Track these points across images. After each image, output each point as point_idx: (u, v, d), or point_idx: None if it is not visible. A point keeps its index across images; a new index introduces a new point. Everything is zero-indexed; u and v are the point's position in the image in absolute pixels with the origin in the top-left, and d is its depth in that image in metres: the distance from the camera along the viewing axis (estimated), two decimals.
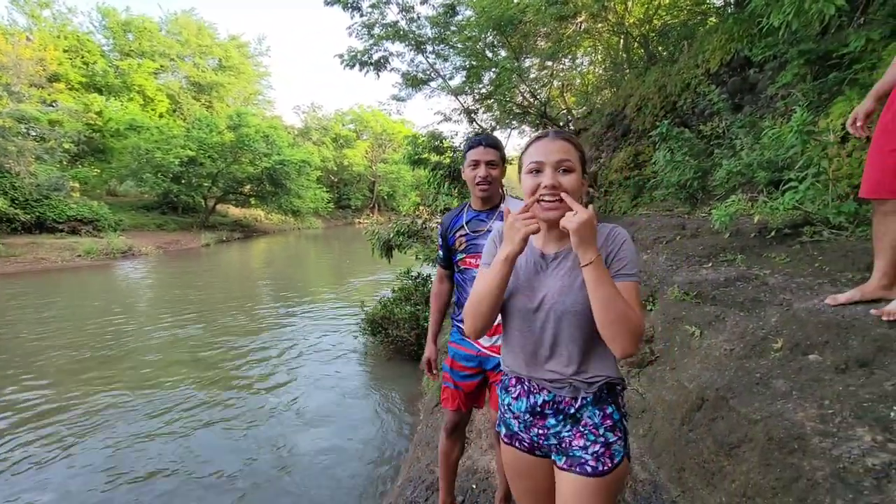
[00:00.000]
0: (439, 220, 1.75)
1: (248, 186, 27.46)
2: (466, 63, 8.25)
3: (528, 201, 1.06)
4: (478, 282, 1.13)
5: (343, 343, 6.28)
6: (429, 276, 6.18)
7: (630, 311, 0.98)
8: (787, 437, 1.48)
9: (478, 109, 9.03)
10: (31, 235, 15.74)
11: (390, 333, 5.53)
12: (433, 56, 8.53)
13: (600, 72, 11.43)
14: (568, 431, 1.10)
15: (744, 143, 4.13)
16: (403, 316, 5.52)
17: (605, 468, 1.06)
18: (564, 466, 1.10)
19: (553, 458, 1.15)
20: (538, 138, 1.11)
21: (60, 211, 16.64)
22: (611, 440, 1.08)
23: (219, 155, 24.10)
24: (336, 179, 41.90)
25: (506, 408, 1.21)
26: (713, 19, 7.31)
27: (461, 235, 1.79)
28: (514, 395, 1.18)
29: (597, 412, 1.09)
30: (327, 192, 35.51)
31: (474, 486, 2.21)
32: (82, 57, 26.12)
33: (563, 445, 1.11)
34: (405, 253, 6.57)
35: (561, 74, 10.56)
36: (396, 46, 8.28)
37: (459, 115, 8.88)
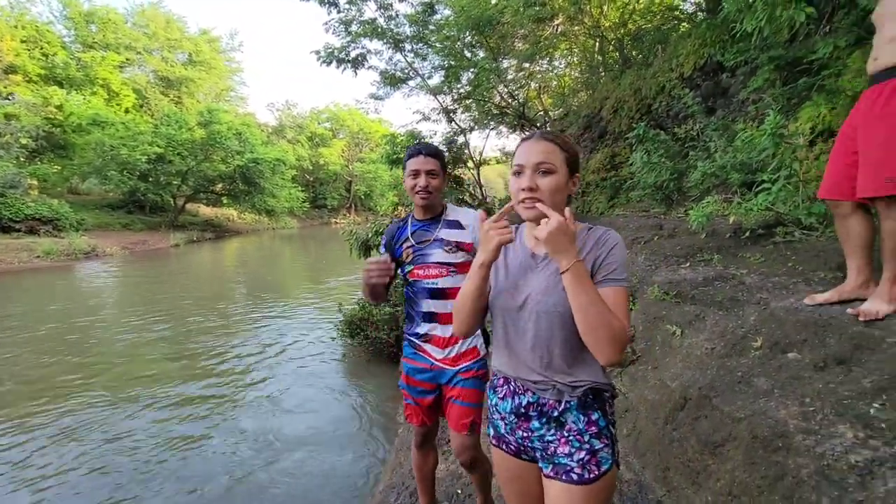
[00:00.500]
0: None
1: (219, 185, 26.72)
2: (445, 62, 8.22)
3: (513, 202, 1.07)
4: (463, 284, 1.16)
5: (320, 345, 6.15)
6: None
7: (613, 318, 0.96)
8: (770, 436, 1.50)
9: (456, 109, 9.01)
10: None
11: (369, 335, 5.43)
12: (412, 55, 8.48)
13: (576, 74, 11.60)
14: (552, 435, 1.09)
15: (717, 145, 4.23)
16: (382, 317, 5.43)
17: (592, 476, 1.04)
18: (551, 474, 1.09)
19: (540, 465, 1.13)
20: (524, 140, 1.12)
21: (17, 210, 15.78)
22: (597, 447, 1.06)
23: (189, 152, 23.35)
24: (312, 179, 41.24)
25: (493, 408, 1.21)
26: (685, 25, 7.50)
27: (408, 247, 1.76)
28: (501, 396, 1.18)
29: (581, 417, 1.07)
30: (303, 191, 34.90)
31: (459, 492, 2.18)
32: (41, 48, 24.90)
33: (549, 452, 1.10)
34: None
35: (538, 76, 10.66)
36: (374, 44, 8.20)
37: (438, 114, 8.85)
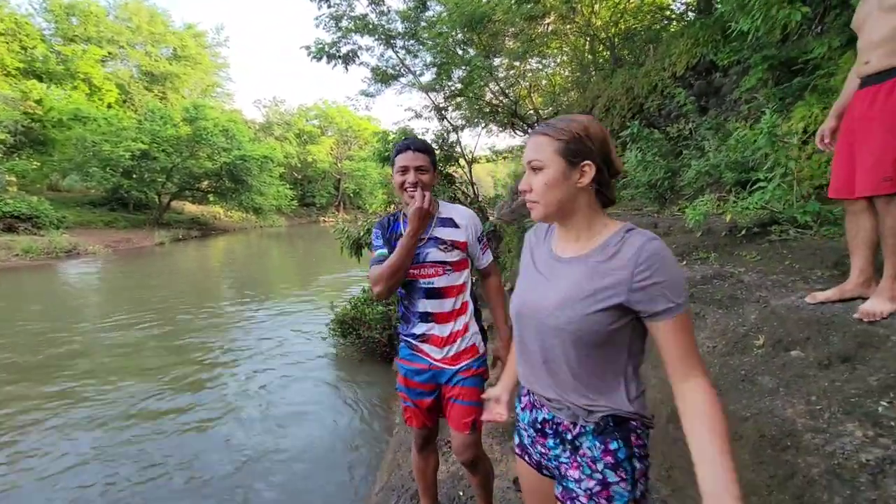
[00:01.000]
0: None
1: (205, 182, 26.27)
2: (437, 60, 8.17)
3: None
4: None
5: (311, 345, 6.08)
6: None
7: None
8: (778, 434, 1.49)
9: (448, 107, 8.96)
10: None
11: (361, 335, 5.38)
12: (403, 51, 8.41)
13: (567, 73, 11.63)
14: (566, 458, 0.99)
15: (711, 144, 4.26)
16: (375, 316, 5.39)
17: None
18: (559, 496, 1.00)
19: (556, 484, 1.04)
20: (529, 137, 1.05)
21: None
22: (610, 479, 0.93)
23: (174, 149, 22.90)
24: (300, 176, 40.84)
25: (518, 417, 1.15)
26: (676, 24, 7.56)
27: None
28: (522, 406, 1.12)
29: (597, 444, 0.94)
30: (291, 189, 34.54)
31: (461, 493, 2.15)
32: (20, 41, 24.20)
33: (562, 472, 1.01)
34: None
35: (529, 75, 10.66)
36: (366, 40, 8.11)
37: (430, 112, 8.80)
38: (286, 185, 33.51)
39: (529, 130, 8.78)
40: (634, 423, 0.95)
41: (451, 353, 1.71)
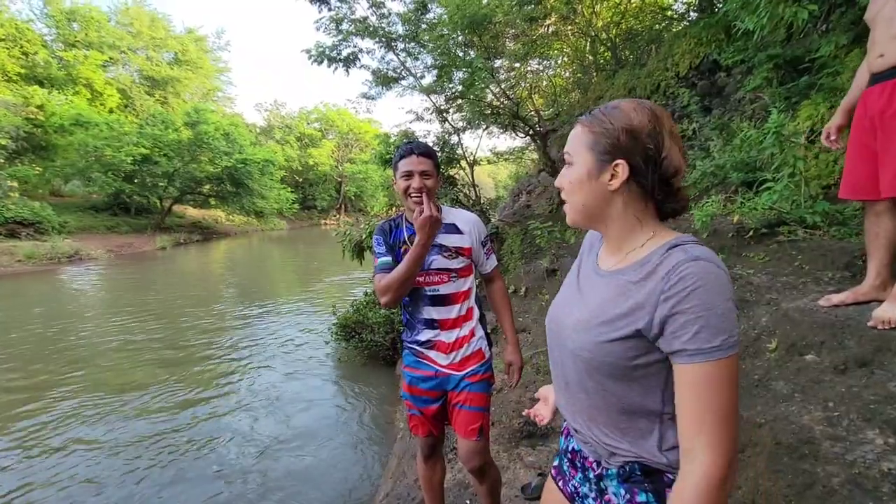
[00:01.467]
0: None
1: (207, 186, 26.28)
2: (438, 62, 8.14)
3: None
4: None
5: (314, 349, 6.04)
6: None
7: None
8: (796, 442, 1.45)
9: (449, 109, 8.94)
10: None
11: (364, 338, 5.34)
12: (404, 54, 8.38)
13: (568, 74, 11.60)
14: (593, 499, 0.88)
15: (716, 144, 4.22)
16: (378, 320, 5.35)
17: None
18: None
19: None
20: None
21: None
22: None
23: (175, 153, 22.92)
24: (301, 180, 40.86)
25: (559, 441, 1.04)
26: (677, 25, 7.52)
27: (405, 252, 1.64)
28: (563, 430, 1.00)
29: (623, 492, 0.81)
30: (292, 192, 34.56)
31: (468, 502, 2.11)
32: (21, 47, 24.28)
33: None
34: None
35: (530, 76, 10.63)
36: (366, 43, 8.08)
37: (431, 114, 8.77)
38: (287, 188, 33.52)
39: (531, 132, 8.76)
40: (671, 476, 0.76)
41: (458, 359, 1.69)
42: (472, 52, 8.20)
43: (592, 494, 0.88)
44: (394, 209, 7.53)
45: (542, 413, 1.08)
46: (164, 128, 22.99)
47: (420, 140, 7.80)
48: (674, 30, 7.21)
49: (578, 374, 0.82)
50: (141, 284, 11.58)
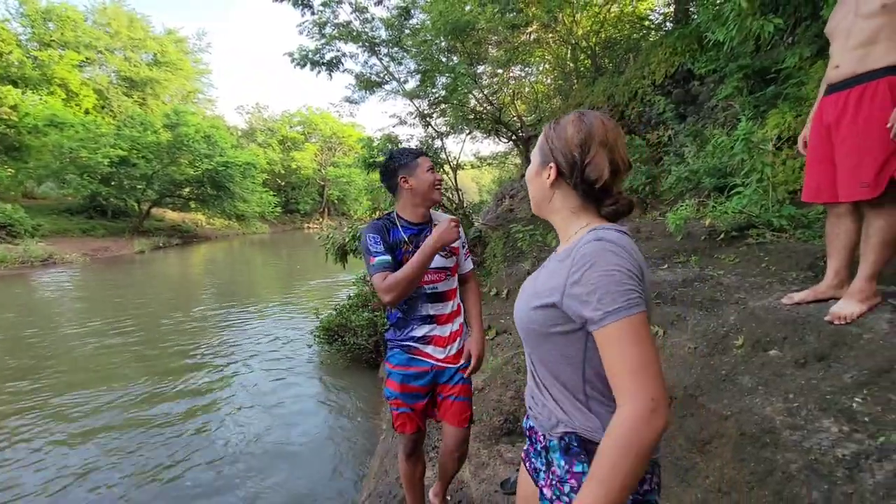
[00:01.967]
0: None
1: (187, 189, 25.82)
2: (421, 67, 8.20)
3: None
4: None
5: (297, 352, 6.00)
6: None
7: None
8: (758, 432, 1.53)
9: (432, 114, 9.00)
10: None
11: (347, 341, 5.34)
12: (387, 59, 8.42)
13: (549, 81, 11.79)
14: (543, 473, 0.96)
15: (690, 150, 4.36)
16: (361, 323, 5.35)
17: None
18: None
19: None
20: None
21: None
22: None
23: (154, 155, 22.48)
24: (283, 183, 40.45)
25: None
26: (654, 34, 7.73)
27: (407, 252, 1.72)
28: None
29: (563, 463, 0.88)
30: (274, 196, 34.19)
31: (449, 497, 2.14)
32: None
33: (539, 486, 0.98)
34: (360, 258, 6.40)
35: (512, 82, 10.78)
36: (349, 47, 8.10)
37: (414, 118, 8.82)
38: (269, 191, 33.17)
39: (513, 137, 8.88)
40: None
41: (454, 352, 1.81)
42: (455, 58, 8.29)
43: (543, 467, 0.96)
44: (377, 213, 7.53)
45: None
46: (143, 129, 22.53)
47: (403, 144, 7.84)
48: (650, 39, 7.41)
49: (524, 340, 0.94)
50: (117, 289, 11.31)
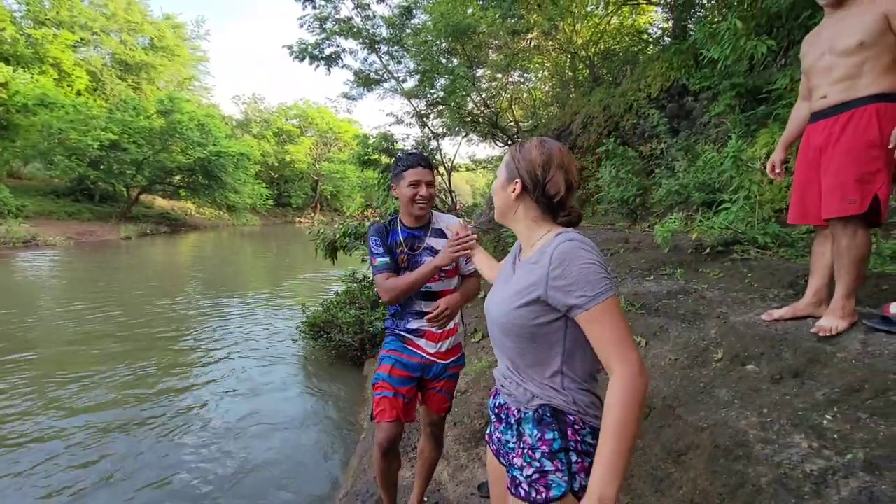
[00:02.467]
0: None
1: (178, 177, 25.57)
2: (420, 67, 8.22)
3: None
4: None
5: (281, 346, 5.96)
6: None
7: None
8: (731, 445, 1.56)
9: (430, 114, 9.03)
10: None
11: (333, 338, 5.31)
12: (387, 57, 8.44)
13: (547, 88, 11.88)
14: (513, 444, 1.08)
15: (681, 165, 4.43)
16: (347, 320, 5.33)
17: (539, 498, 0.97)
18: (508, 485, 1.06)
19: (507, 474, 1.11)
20: None
21: None
22: (547, 468, 0.98)
23: (146, 141, 22.22)
24: (276, 176, 40.18)
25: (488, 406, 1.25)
26: (652, 48, 7.84)
27: (402, 253, 1.83)
28: (491, 393, 1.22)
29: (536, 432, 1.01)
30: (267, 188, 33.94)
31: (426, 499, 2.14)
32: None
33: (510, 460, 1.08)
34: (350, 255, 6.38)
35: (510, 87, 10.84)
36: (349, 43, 8.11)
37: (411, 118, 8.84)
38: (262, 183, 32.94)
39: (509, 142, 8.93)
40: (572, 417, 0.99)
41: (444, 349, 1.87)
42: (454, 60, 8.32)
43: (513, 439, 1.08)
44: (370, 210, 7.52)
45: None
46: (136, 114, 22.27)
47: (399, 145, 7.83)
48: (648, 53, 7.49)
49: (502, 338, 1.07)
50: (99, 273, 11.14)
